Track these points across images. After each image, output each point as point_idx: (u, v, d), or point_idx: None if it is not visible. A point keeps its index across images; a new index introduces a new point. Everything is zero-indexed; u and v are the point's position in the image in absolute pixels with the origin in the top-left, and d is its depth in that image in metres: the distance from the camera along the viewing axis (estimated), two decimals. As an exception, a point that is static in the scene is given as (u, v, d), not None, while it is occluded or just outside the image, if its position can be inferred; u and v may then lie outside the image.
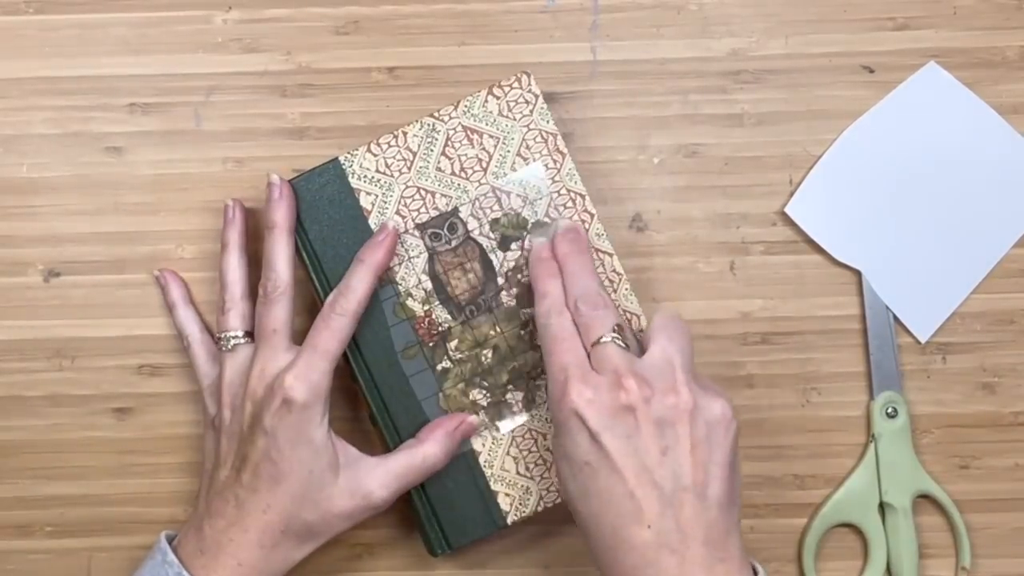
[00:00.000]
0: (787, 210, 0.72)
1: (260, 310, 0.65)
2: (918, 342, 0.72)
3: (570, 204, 0.68)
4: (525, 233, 0.68)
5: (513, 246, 0.68)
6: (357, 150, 0.68)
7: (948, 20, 0.72)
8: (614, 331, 0.61)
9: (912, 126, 0.72)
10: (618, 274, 0.68)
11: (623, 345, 0.61)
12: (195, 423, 0.72)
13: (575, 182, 0.68)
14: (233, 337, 0.66)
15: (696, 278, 0.72)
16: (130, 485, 0.72)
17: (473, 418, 0.67)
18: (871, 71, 0.72)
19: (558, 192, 0.68)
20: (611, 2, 0.72)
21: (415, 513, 0.68)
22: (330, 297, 0.65)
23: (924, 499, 0.72)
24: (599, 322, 0.62)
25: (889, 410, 0.71)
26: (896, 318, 0.72)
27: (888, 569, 0.71)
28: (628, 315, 0.68)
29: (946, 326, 0.72)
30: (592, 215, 0.68)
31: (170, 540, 0.65)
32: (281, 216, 0.66)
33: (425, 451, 0.65)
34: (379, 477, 0.64)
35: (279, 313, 0.65)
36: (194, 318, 0.70)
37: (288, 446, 0.62)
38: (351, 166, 0.68)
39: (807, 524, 0.72)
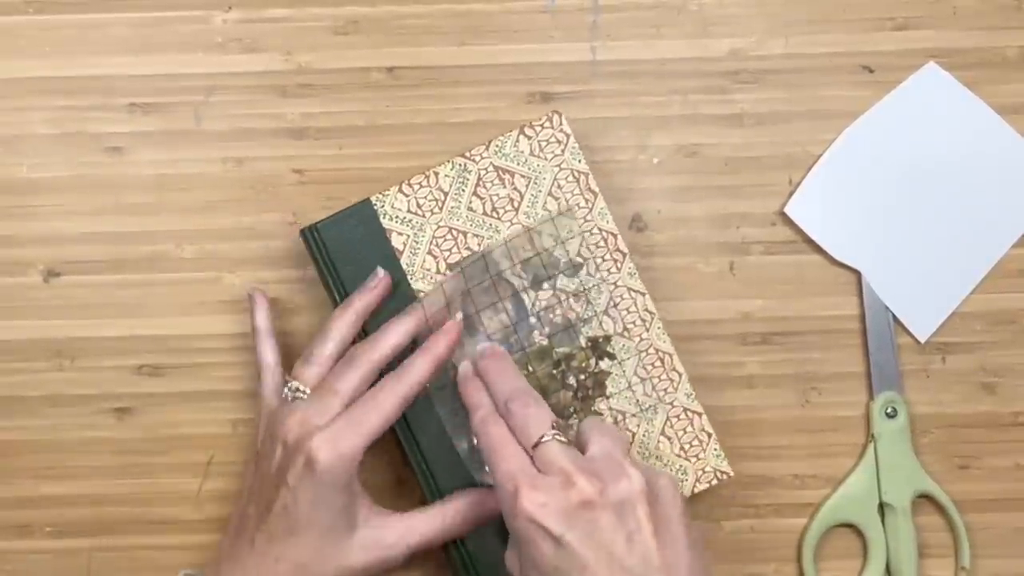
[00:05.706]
0: (787, 210, 0.72)
1: (340, 365, 0.64)
2: (918, 342, 0.72)
3: (602, 243, 0.68)
4: (557, 272, 0.68)
5: (545, 285, 0.68)
6: (388, 191, 0.67)
7: (948, 20, 0.72)
8: (553, 427, 0.60)
9: (912, 126, 0.72)
10: (650, 313, 0.68)
11: (564, 440, 0.60)
12: (195, 423, 0.72)
13: (607, 221, 0.68)
14: (299, 390, 0.64)
15: (696, 278, 0.72)
16: (130, 485, 0.72)
17: None
18: (871, 71, 0.72)
19: (590, 231, 0.68)
20: (611, 2, 0.72)
21: (452, 565, 0.68)
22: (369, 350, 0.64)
23: (924, 499, 0.72)
24: (535, 420, 0.61)
25: (889, 410, 0.71)
26: (896, 318, 0.72)
27: (888, 569, 0.71)
28: (660, 354, 0.68)
29: (946, 326, 0.72)
30: (624, 254, 0.68)
31: None
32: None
33: (448, 519, 0.65)
34: (399, 532, 0.64)
35: (352, 379, 0.63)
36: (273, 347, 0.68)
37: (306, 504, 0.61)
38: (382, 206, 0.67)
39: (807, 524, 0.72)
